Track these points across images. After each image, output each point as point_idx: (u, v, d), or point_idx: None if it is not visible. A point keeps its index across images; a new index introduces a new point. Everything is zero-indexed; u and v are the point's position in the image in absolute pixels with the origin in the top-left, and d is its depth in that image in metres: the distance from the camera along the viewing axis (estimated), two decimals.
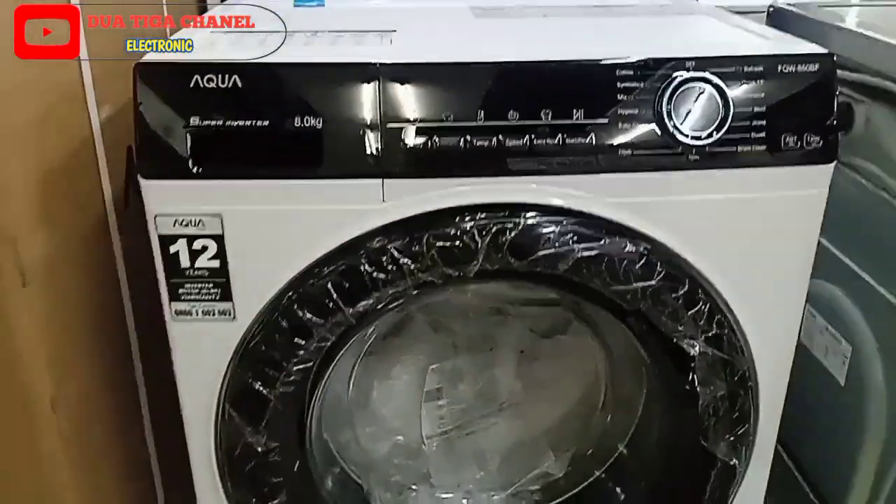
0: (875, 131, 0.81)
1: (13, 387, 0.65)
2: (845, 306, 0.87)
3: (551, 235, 0.67)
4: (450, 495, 0.96)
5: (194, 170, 0.65)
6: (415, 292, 0.68)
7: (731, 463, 0.78)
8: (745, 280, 0.73)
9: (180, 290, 0.70)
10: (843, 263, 0.87)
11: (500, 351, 1.01)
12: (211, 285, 0.70)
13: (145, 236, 0.68)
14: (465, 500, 0.96)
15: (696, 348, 0.72)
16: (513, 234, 0.67)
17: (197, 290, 0.70)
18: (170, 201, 0.66)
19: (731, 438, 0.77)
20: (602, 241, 0.68)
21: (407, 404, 1.01)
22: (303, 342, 0.70)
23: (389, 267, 0.67)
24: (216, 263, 0.69)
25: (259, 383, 0.71)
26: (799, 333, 0.78)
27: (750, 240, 0.71)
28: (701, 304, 0.72)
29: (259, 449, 0.74)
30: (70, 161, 0.74)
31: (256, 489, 0.76)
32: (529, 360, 1.02)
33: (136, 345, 0.85)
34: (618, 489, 0.89)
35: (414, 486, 0.95)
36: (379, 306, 0.70)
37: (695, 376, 0.73)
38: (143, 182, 0.66)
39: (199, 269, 0.69)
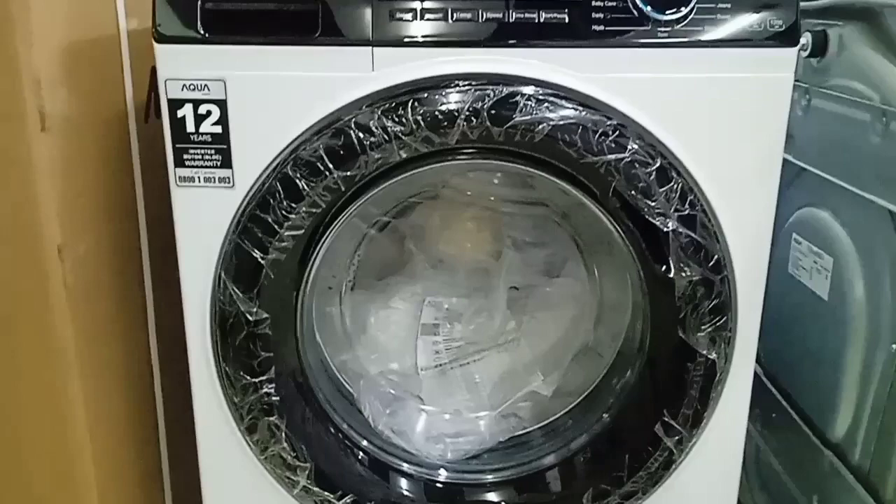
0: (850, 49, 0.86)
1: (25, 229, 0.70)
2: (828, 224, 0.89)
3: (528, 103, 0.72)
4: (437, 409, 0.97)
5: (203, 33, 0.72)
6: (402, 156, 0.73)
7: (711, 357, 0.79)
8: (717, 164, 0.76)
9: (185, 156, 0.76)
10: (828, 184, 0.89)
11: (496, 289, 1.04)
12: (213, 151, 0.76)
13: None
14: (451, 416, 0.97)
15: (669, 225, 0.75)
16: (492, 101, 0.72)
17: (200, 156, 0.76)
18: (179, 66, 0.73)
19: (710, 330, 0.78)
20: (577, 112, 0.73)
21: (403, 333, 1.04)
22: (295, 205, 0.75)
23: (376, 130, 0.72)
24: (218, 129, 0.75)
25: (253, 247, 0.76)
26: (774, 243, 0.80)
27: (719, 122, 0.75)
28: (673, 182, 0.75)
29: (251, 318, 0.78)
30: (95, 47, 0.81)
31: (247, 362, 0.79)
32: (524, 297, 1.05)
33: (143, 214, 0.90)
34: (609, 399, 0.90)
35: (404, 398, 0.97)
36: (366, 172, 0.74)
37: (669, 257, 0.76)
38: (157, 47, 0.73)
39: (202, 133, 0.75)
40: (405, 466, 0.89)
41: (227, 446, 0.85)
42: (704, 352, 0.79)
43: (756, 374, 0.91)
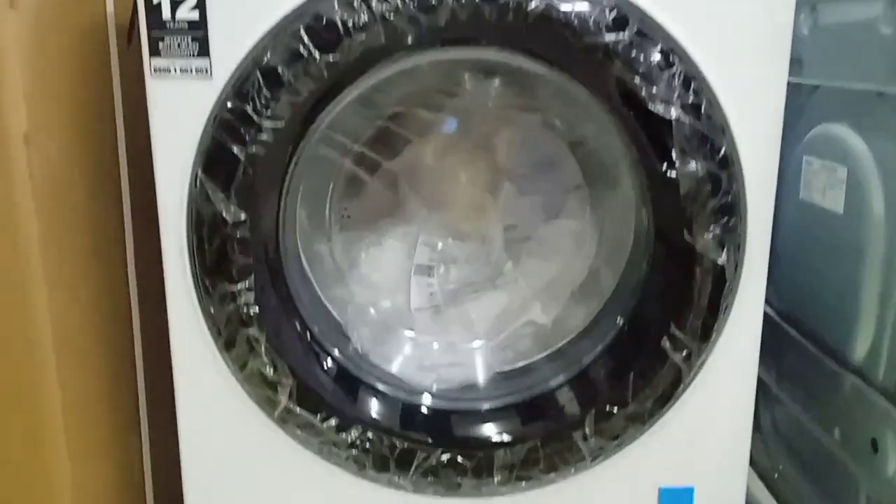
0: None
1: None
2: (843, 134, 0.84)
3: None
4: (429, 339, 0.92)
5: None
6: (387, 39, 0.69)
7: (719, 262, 0.74)
8: (722, 51, 0.72)
9: (160, 44, 0.72)
10: (841, 94, 0.85)
11: (492, 227, 0.99)
12: (190, 38, 0.72)
13: None
14: (444, 347, 0.91)
15: (672, 113, 0.70)
16: None
17: (176, 45, 0.72)
18: None
19: (717, 231, 0.73)
20: None
21: (396, 272, 0.99)
22: (275, 93, 0.71)
23: (360, 9, 0.69)
24: (196, 15, 0.71)
25: (231, 141, 0.72)
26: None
27: (723, 6, 0.71)
28: (676, 67, 0.71)
29: (228, 219, 0.73)
30: None
31: (224, 268, 0.75)
32: (522, 239, 1.01)
33: (120, 112, 0.85)
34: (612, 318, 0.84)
35: (395, 327, 0.92)
36: (350, 59, 0.70)
37: (673, 149, 0.71)
38: None
39: (179, 21, 0.71)
40: (389, 390, 0.83)
41: (204, 367, 0.79)
42: (712, 256, 0.74)
43: (766, 315, 0.87)
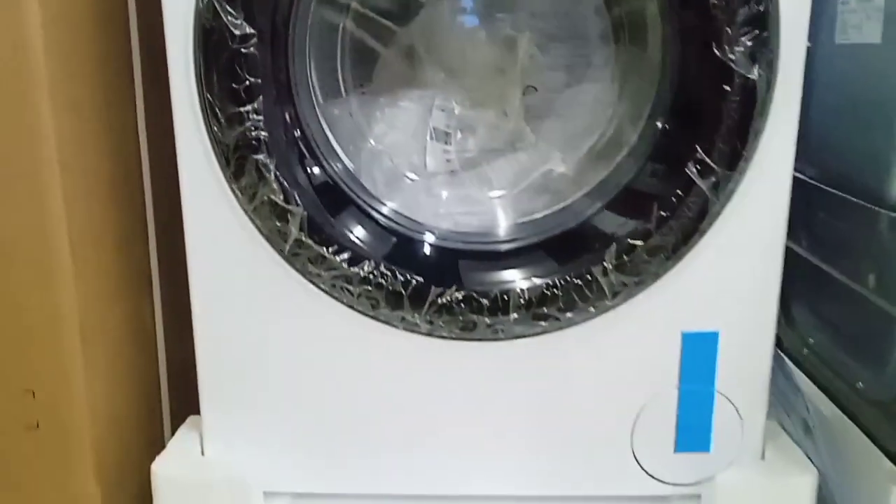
0: None
1: None
2: None
3: None
4: (446, 191, 0.89)
5: None
6: None
7: (750, 77, 0.70)
8: None
9: None
10: None
11: (512, 86, 0.96)
12: None
13: None
14: (461, 197, 0.88)
15: None
16: None
17: None
18: None
19: (749, 44, 0.70)
20: None
21: (412, 133, 0.96)
22: None
23: None
24: None
25: None
26: None
27: None
28: None
29: (235, 32, 0.71)
30: None
31: (232, 88, 0.72)
32: (543, 103, 0.97)
33: None
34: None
35: (410, 176, 0.89)
36: None
37: None
38: None
39: None
40: (402, 230, 0.81)
41: (213, 202, 0.77)
42: (742, 70, 0.70)
43: (796, 179, 0.83)
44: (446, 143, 0.99)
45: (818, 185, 0.91)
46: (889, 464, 0.78)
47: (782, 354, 1.01)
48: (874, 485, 0.78)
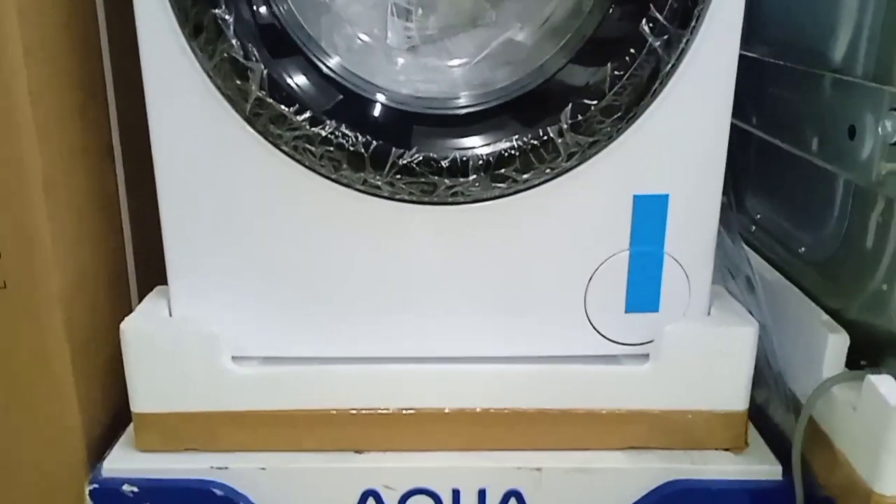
0: None
1: None
2: None
3: None
4: (406, 60, 0.90)
5: None
6: None
7: None
8: None
9: None
10: None
11: None
12: None
13: None
14: (422, 66, 0.90)
15: None
16: None
17: None
18: None
19: None
20: None
21: (372, 7, 0.96)
22: None
23: None
24: None
25: None
26: None
27: None
28: None
29: None
30: None
31: None
32: None
33: None
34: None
35: (368, 41, 0.90)
36: None
37: None
38: None
39: None
40: (363, 92, 0.82)
41: (172, 63, 0.77)
42: None
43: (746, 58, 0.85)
44: (407, 19, 0.99)
45: (767, 60, 0.94)
46: (825, 315, 0.83)
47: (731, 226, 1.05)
48: (811, 334, 0.83)
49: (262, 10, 0.77)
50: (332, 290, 0.87)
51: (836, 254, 0.84)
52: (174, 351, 0.84)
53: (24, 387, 0.83)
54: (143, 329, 0.84)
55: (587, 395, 0.88)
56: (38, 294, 0.79)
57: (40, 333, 0.80)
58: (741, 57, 0.80)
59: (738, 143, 0.96)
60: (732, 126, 0.83)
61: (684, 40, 0.76)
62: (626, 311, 0.88)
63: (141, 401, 0.86)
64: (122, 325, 0.83)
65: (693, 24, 0.76)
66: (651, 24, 0.75)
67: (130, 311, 0.88)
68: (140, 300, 0.91)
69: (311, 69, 0.79)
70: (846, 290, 0.82)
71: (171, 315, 0.86)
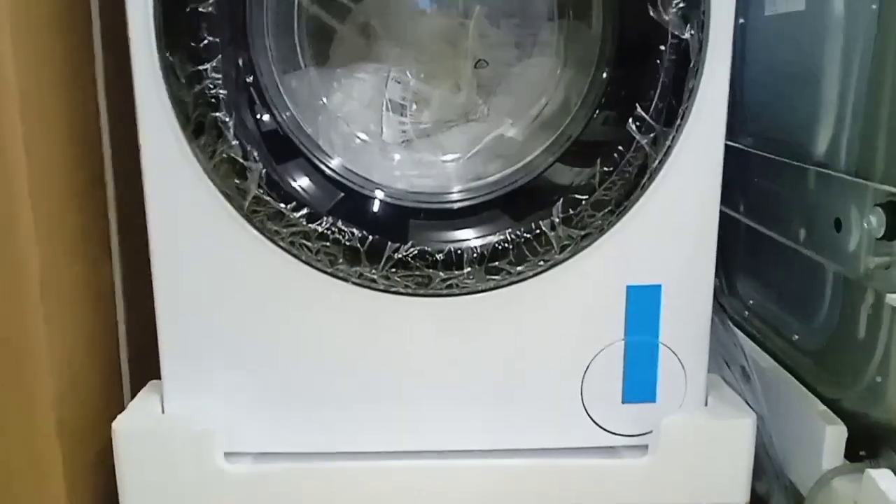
0: None
1: None
2: None
3: None
4: (400, 157, 0.92)
5: None
6: None
7: (683, 37, 0.75)
8: None
9: None
10: None
11: (463, 58, 1.00)
12: None
13: None
14: (415, 161, 0.92)
15: None
16: None
17: None
18: None
19: (682, 5, 0.74)
20: None
21: (368, 103, 0.99)
22: None
23: None
24: None
25: None
26: None
27: None
28: None
29: None
30: None
31: (191, 47, 0.74)
32: (494, 77, 1.01)
33: None
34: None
35: (365, 138, 0.92)
36: None
37: None
38: None
39: None
40: (358, 188, 0.83)
41: (173, 161, 0.79)
42: (676, 31, 0.75)
43: (732, 148, 0.88)
44: (402, 114, 1.02)
45: (753, 151, 0.97)
46: (822, 405, 0.83)
47: (723, 314, 1.06)
48: (809, 425, 0.83)
49: (266, 118, 0.79)
50: (327, 384, 0.86)
51: (829, 343, 0.85)
52: (166, 450, 0.82)
53: (13, 486, 0.82)
54: (134, 428, 0.83)
55: (586, 489, 0.87)
56: (30, 396, 0.79)
57: (32, 434, 0.79)
58: (727, 147, 0.82)
59: (728, 228, 0.99)
60: (721, 212, 0.85)
61: (671, 137, 0.79)
62: (623, 402, 0.88)
63: (131, 502, 0.84)
64: (114, 425, 0.82)
65: (679, 122, 0.78)
66: (638, 123, 0.77)
67: (123, 405, 0.87)
68: (133, 393, 0.91)
69: (311, 170, 0.81)
70: (841, 381, 0.82)
71: (163, 412, 0.85)
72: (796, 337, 0.92)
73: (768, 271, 1.00)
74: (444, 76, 1.01)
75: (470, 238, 0.82)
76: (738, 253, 1.08)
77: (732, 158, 0.84)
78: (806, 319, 0.90)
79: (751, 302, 1.05)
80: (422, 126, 1.01)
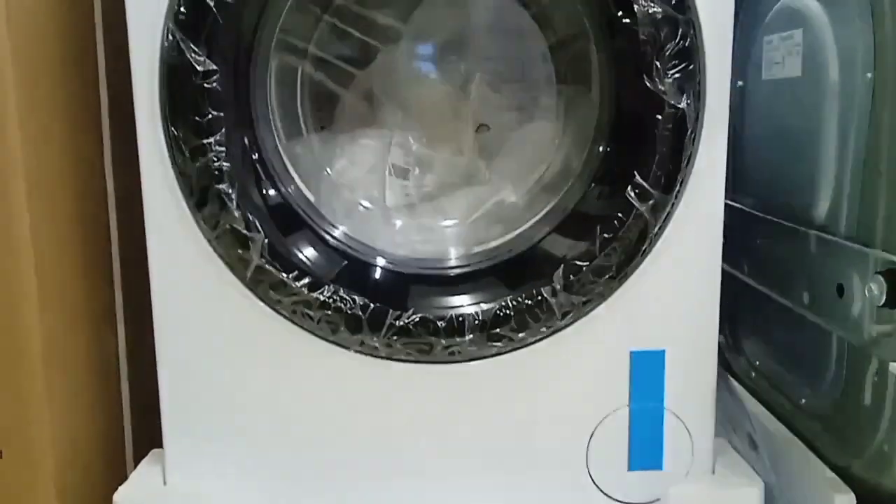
0: None
1: None
2: (797, 2, 0.87)
3: None
4: (402, 222, 0.93)
5: None
6: None
7: (679, 106, 0.76)
8: None
9: None
10: None
11: (464, 122, 1.01)
12: None
13: None
14: (417, 226, 0.92)
15: None
16: None
17: None
18: None
19: (677, 76, 0.75)
20: None
21: (371, 170, 1.01)
22: None
23: None
24: None
25: None
26: None
27: None
28: None
29: (199, 68, 0.75)
30: None
31: (195, 121, 0.76)
32: (495, 140, 1.02)
33: None
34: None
35: (367, 206, 0.93)
36: None
37: None
38: None
39: None
40: (360, 256, 0.84)
41: (176, 233, 0.80)
42: (672, 101, 0.76)
43: (734, 209, 0.88)
44: (405, 178, 1.03)
45: (755, 213, 0.97)
46: (830, 473, 0.81)
47: (728, 377, 1.05)
48: (818, 493, 0.81)
49: (271, 192, 0.80)
50: (330, 454, 0.86)
51: (836, 408, 0.84)
52: None
53: None
54: (135, 500, 0.82)
55: None
56: (32, 465, 0.78)
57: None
58: (731, 207, 0.82)
59: (735, 287, 0.98)
60: (725, 272, 0.85)
61: (670, 204, 0.79)
62: (630, 469, 0.86)
63: None
64: (116, 497, 0.81)
65: (677, 188, 0.79)
66: (637, 191, 0.78)
67: (125, 474, 0.87)
68: (136, 461, 0.90)
69: (315, 239, 0.82)
70: (849, 447, 0.80)
71: (165, 483, 0.85)
72: (804, 401, 0.90)
73: (774, 332, 0.99)
74: (446, 140, 1.02)
75: (471, 304, 0.82)
76: (744, 312, 1.08)
77: (736, 218, 0.84)
78: (812, 383, 0.89)
79: (757, 363, 1.03)
80: (424, 189, 1.02)
